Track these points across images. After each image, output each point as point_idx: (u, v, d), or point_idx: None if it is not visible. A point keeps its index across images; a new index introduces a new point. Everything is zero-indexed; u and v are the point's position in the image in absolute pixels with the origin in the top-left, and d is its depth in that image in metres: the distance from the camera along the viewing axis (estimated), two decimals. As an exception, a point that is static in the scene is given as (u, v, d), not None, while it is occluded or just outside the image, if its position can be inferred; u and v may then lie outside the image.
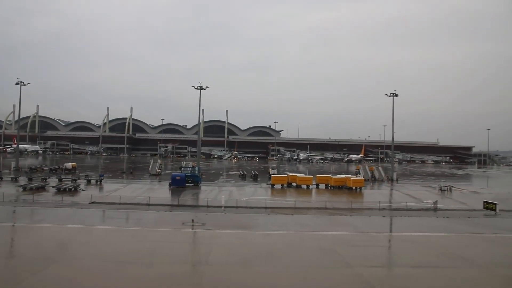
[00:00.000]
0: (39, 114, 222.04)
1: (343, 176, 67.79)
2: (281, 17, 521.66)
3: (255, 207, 45.60)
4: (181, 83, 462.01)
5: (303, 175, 67.31)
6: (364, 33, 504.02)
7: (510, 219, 38.94)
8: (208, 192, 57.29)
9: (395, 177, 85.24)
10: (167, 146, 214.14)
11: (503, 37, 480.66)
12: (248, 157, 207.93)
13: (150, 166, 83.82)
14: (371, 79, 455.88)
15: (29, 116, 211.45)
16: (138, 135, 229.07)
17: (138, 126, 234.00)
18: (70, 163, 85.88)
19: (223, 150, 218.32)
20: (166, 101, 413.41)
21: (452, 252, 24.78)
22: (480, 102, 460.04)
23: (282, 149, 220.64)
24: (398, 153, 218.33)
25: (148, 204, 44.90)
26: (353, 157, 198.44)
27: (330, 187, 64.48)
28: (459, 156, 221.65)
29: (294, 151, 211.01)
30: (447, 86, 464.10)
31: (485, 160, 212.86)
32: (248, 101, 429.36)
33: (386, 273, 19.91)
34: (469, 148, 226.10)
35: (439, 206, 49.19)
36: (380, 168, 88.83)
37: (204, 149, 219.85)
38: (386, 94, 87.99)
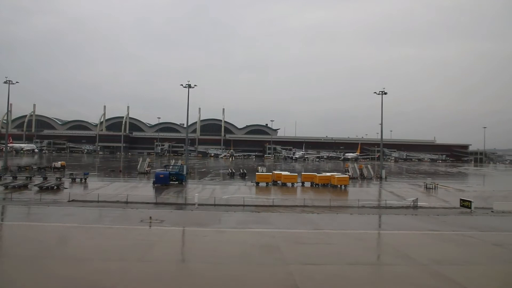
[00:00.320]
0: (36, 113, 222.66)
1: (328, 174, 67.80)
2: (279, 16, 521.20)
3: (233, 205, 45.65)
4: (179, 82, 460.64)
5: (288, 173, 67.34)
6: (363, 31, 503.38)
7: (481, 217, 38.82)
8: (190, 190, 57.35)
9: (383, 175, 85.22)
10: (163, 145, 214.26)
11: (502, 36, 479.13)
12: (244, 155, 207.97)
13: (139, 165, 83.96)
14: (369, 77, 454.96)
15: (26, 115, 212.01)
16: (135, 133, 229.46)
17: (135, 125, 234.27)
18: (59, 162, 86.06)
19: (220, 149, 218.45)
20: (164, 99, 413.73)
21: (396, 249, 24.51)
22: (478, 100, 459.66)
23: (278, 147, 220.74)
24: (394, 151, 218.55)
25: (126, 202, 44.97)
26: (349, 155, 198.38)
27: (315, 185, 64.50)
28: (456, 154, 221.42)
29: (290, 150, 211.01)
30: (445, 85, 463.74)
31: (482, 158, 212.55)
32: (246, 100, 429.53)
33: (318, 270, 19.62)
34: (465, 146, 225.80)
35: (420, 204, 49.24)
36: (369, 166, 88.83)
37: (201, 148, 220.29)
38: (375, 92, 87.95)
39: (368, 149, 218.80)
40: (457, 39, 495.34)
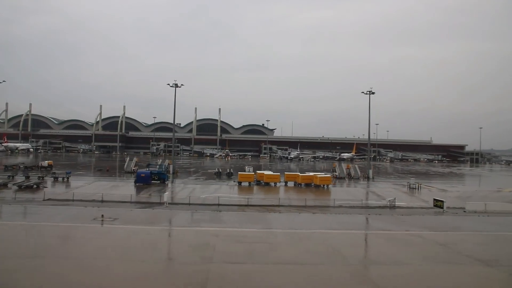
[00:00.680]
0: (34, 112, 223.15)
1: (311, 174, 67.70)
2: (279, 16, 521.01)
3: (208, 204, 45.71)
4: (178, 82, 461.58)
5: (271, 173, 67.31)
6: (363, 32, 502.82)
7: (447, 217, 38.58)
8: (171, 189, 57.47)
9: (371, 175, 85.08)
10: (159, 145, 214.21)
11: (502, 36, 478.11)
12: (240, 155, 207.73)
13: (126, 164, 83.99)
14: (369, 77, 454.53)
15: (22, 115, 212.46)
16: (131, 133, 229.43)
17: (131, 125, 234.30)
18: (46, 161, 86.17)
19: (215, 149, 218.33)
20: (163, 99, 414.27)
21: (333, 249, 24.19)
22: (478, 100, 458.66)
23: (274, 147, 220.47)
24: (390, 152, 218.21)
25: (101, 201, 45.08)
26: (345, 155, 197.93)
27: (298, 185, 64.42)
28: (452, 154, 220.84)
29: (286, 150, 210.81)
30: (445, 85, 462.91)
31: (478, 158, 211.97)
32: (245, 100, 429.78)
33: (234, 269, 19.66)
34: (462, 147, 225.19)
35: (398, 203, 49.17)
36: (356, 166, 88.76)
37: (197, 148, 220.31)
38: (362, 92, 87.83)
39: (364, 149, 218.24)
40: (457, 39, 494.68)
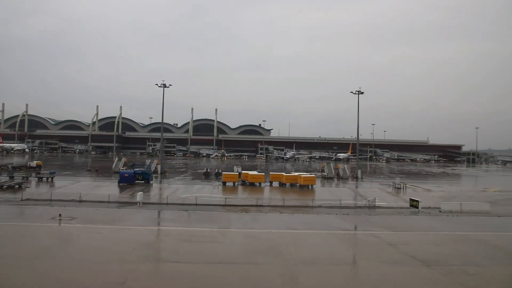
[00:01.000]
0: (31, 113, 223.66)
1: (296, 174, 67.63)
2: (278, 17, 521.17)
3: (185, 204, 45.64)
4: (177, 82, 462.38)
5: (256, 173, 67.27)
6: (362, 32, 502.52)
7: (417, 216, 38.52)
8: (153, 189, 57.57)
9: (359, 175, 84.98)
10: (155, 145, 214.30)
11: (502, 36, 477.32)
12: (236, 155, 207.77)
13: (114, 164, 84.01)
14: (369, 77, 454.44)
15: (18, 115, 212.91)
16: (128, 133, 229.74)
17: (128, 125, 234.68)
18: (35, 161, 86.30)
19: (211, 149, 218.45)
20: (160, 100, 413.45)
21: (277, 249, 23.94)
22: (477, 101, 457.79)
23: (270, 147, 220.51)
24: (387, 152, 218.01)
25: (80, 201, 45.13)
26: (341, 155, 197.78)
27: (283, 185, 64.34)
28: (449, 154, 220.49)
29: (282, 150, 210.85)
30: (445, 85, 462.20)
31: (474, 158, 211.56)
32: (243, 101, 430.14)
33: (165, 267, 19.68)
34: (458, 147, 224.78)
35: (379, 204, 49.11)
36: (345, 166, 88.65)
37: (193, 148, 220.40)
38: (351, 92, 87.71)
39: (361, 149, 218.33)
40: (457, 39, 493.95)
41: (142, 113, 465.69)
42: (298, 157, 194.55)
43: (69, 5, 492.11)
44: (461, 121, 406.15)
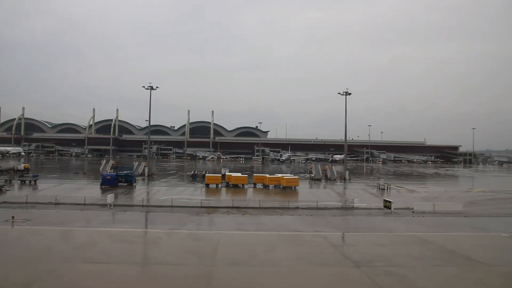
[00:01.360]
0: (30, 116, 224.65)
1: (279, 175, 67.49)
2: (278, 17, 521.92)
3: (161, 206, 45.73)
4: (176, 83, 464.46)
5: (240, 175, 67.07)
6: (362, 32, 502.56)
7: (383, 218, 38.34)
8: (134, 192, 57.55)
9: (347, 176, 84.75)
10: (151, 148, 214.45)
11: (502, 36, 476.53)
12: (232, 157, 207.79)
13: (101, 167, 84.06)
14: (369, 77, 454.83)
15: (15, 118, 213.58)
16: (125, 136, 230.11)
17: (125, 128, 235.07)
18: (22, 164, 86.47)
19: (207, 151, 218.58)
20: (159, 101, 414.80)
21: (211, 251, 23.54)
22: (477, 101, 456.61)
23: (267, 149, 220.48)
24: (383, 153, 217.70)
25: (56, 203, 45.21)
26: (337, 157, 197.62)
27: (266, 186, 64.20)
28: (446, 155, 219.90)
29: (278, 152, 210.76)
30: (445, 85, 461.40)
31: (471, 159, 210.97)
32: (242, 101, 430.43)
33: (86, 268, 19.54)
34: (455, 148, 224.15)
35: (359, 205, 48.99)
36: (333, 167, 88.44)
37: (190, 150, 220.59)
38: (339, 93, 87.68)
39: (357, 150, 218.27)
40: (457, 39, 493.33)
41: (141, 115, 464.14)
42: (294, 159, 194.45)
43: (69, 5, 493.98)
44: (461, 121, 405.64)
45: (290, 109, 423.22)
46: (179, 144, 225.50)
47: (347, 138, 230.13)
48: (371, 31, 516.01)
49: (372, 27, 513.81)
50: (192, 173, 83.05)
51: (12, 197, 49.37)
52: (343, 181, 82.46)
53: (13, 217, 31.30)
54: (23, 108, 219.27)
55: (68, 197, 48.78)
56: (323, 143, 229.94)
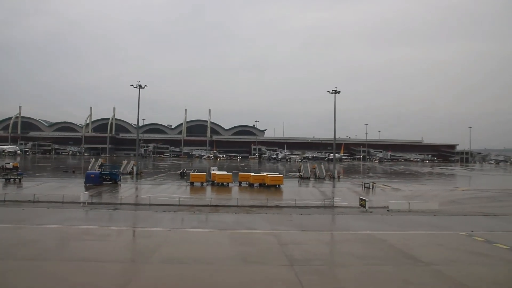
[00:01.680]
0: (27, 115, 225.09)
1: (264, 173, 67.37)
2: (278, 17, 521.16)
3: (139, 204, 45.90)
4: (176, 83, 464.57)
5: (225, 173, 67.00)
6: (362, 32, 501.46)
7: (351, 216, 37.89)
8: (116, 190, 57.52)
9: (336, 175, 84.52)
10: (148, 146, 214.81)
11: (502, 36, 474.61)
12: (229, 156, 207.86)
13: (90, 165, 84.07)
14: (369, 78, 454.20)
15: (11, 117, 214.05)
16: (122, 135, 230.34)
17: (122, 126, 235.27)
18: (11, 163, 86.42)
19: (204, 150, 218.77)
20: (159, 101, 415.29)
21: (148, 247, 23.50)
22: (477, 101, 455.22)
23: (263, 148, 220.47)
24: (380, 152, 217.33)
25: (33, 201, 45.16)
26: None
27: (251, 185, 64.08)
28: (443, 154, 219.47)
29: (274, 150, 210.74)
30: (445, 85, 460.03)
31: (468, 158, 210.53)
32: (241, 101, 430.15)
33: (27, 265, 19.34)
34: (452, 146, 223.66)
35: (340, 203, 48.86)
36: (322, 166, 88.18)
37: (187, 149, 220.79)
38: (328, 91, 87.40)
39: (354, 149, 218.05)
40: (457, 39, 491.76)
41: (140, 114, 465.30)
42: (290, 158, 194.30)
43: (69, 5, 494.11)
44: (461, 121, 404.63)
45: (290, 109, 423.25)
46: (176, 143, 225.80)
47: (344, 137, 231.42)
48: (371, 31, 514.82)
49: (372, 27, 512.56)
50: (181, 171, 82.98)
51: (-8, 195, 49.27)
52: (331, 179, 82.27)
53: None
54: (20, 107, 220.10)
55: (49, 195, 48.55)
56: (320, 141, 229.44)
